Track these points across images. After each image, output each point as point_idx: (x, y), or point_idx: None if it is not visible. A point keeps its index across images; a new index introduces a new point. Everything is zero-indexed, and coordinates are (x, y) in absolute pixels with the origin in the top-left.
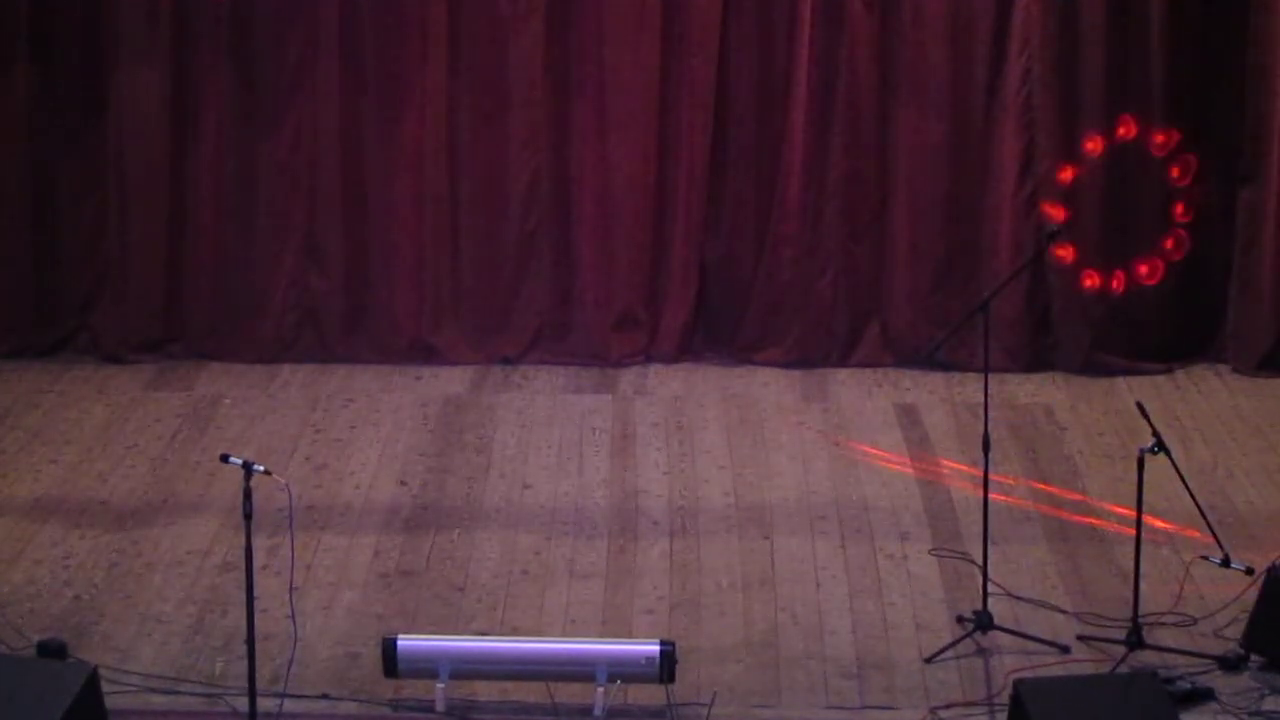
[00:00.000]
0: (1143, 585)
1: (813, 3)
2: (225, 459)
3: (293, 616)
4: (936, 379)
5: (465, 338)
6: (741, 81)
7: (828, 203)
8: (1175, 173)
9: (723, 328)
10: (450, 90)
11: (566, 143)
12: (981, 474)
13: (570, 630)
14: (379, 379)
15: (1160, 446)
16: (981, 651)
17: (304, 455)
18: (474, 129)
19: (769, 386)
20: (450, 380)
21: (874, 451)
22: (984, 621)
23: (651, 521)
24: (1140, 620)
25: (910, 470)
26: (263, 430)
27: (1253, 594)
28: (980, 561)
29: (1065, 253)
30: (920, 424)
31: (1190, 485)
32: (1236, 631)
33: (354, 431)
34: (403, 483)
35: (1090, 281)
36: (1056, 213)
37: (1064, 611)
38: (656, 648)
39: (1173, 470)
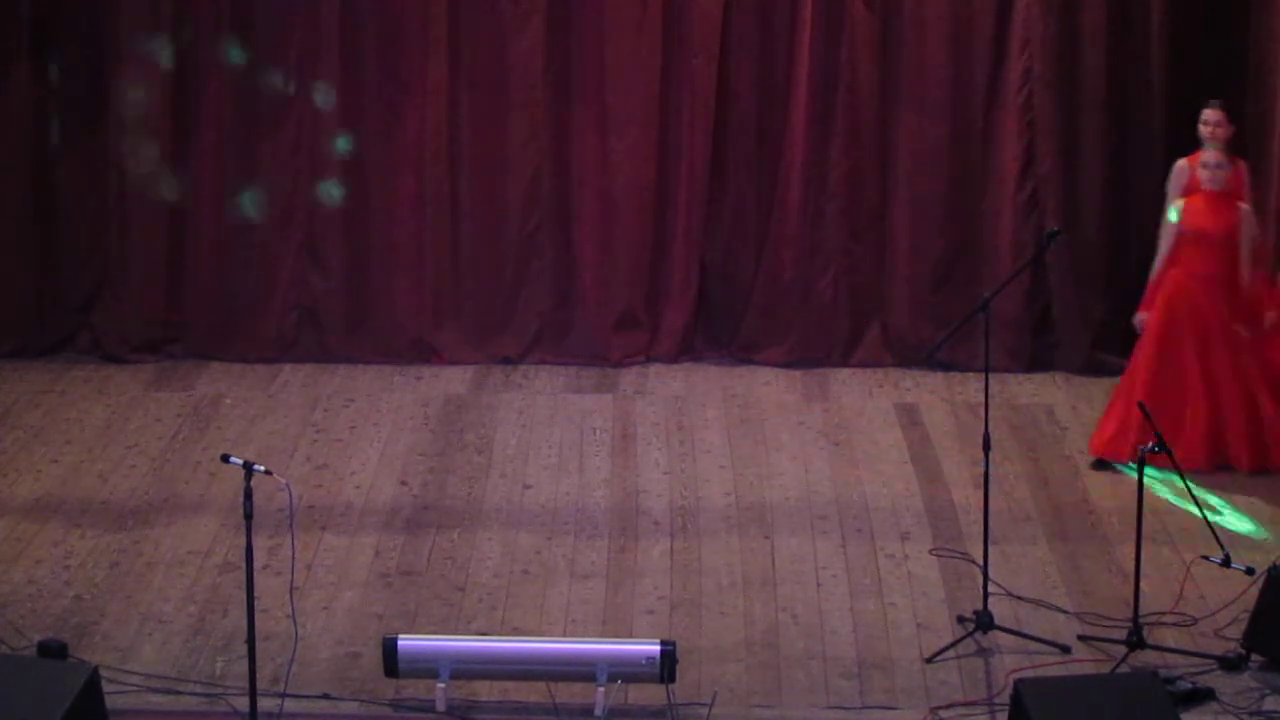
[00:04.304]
0: (1143, 585)
1: (813, 3)
2: (226, 459)
3: (293, 616)
4: (936, 379)
5: (465, 338)
6: (742, 81)
7: (828, 203)
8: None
9: (723, 328)
10: (450, 90)
11: (566, 143)
12: (982, 474)
13: (571, 630)
14: (379, 379)
15: (1161, 446)
16: (982, 651)
17: (304, 455)
18: (474, 129)
19: (769, 386)
20: (451, 380)
21: (874, 451)
22: (984, 621)
23: (652, 521)
24: (1141, 620)
25: (910, 470)
26: (263, 430)
27: (1253, 594)
28: (980, 561)
29: (1066, 253)
30: (920, 424)
31: (1190, 485)
32: (1237, 631)
33: (354, 431)
34: (403, 483)
35: (1091, 281)
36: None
37: (1064, 611)
38: (657, 648)
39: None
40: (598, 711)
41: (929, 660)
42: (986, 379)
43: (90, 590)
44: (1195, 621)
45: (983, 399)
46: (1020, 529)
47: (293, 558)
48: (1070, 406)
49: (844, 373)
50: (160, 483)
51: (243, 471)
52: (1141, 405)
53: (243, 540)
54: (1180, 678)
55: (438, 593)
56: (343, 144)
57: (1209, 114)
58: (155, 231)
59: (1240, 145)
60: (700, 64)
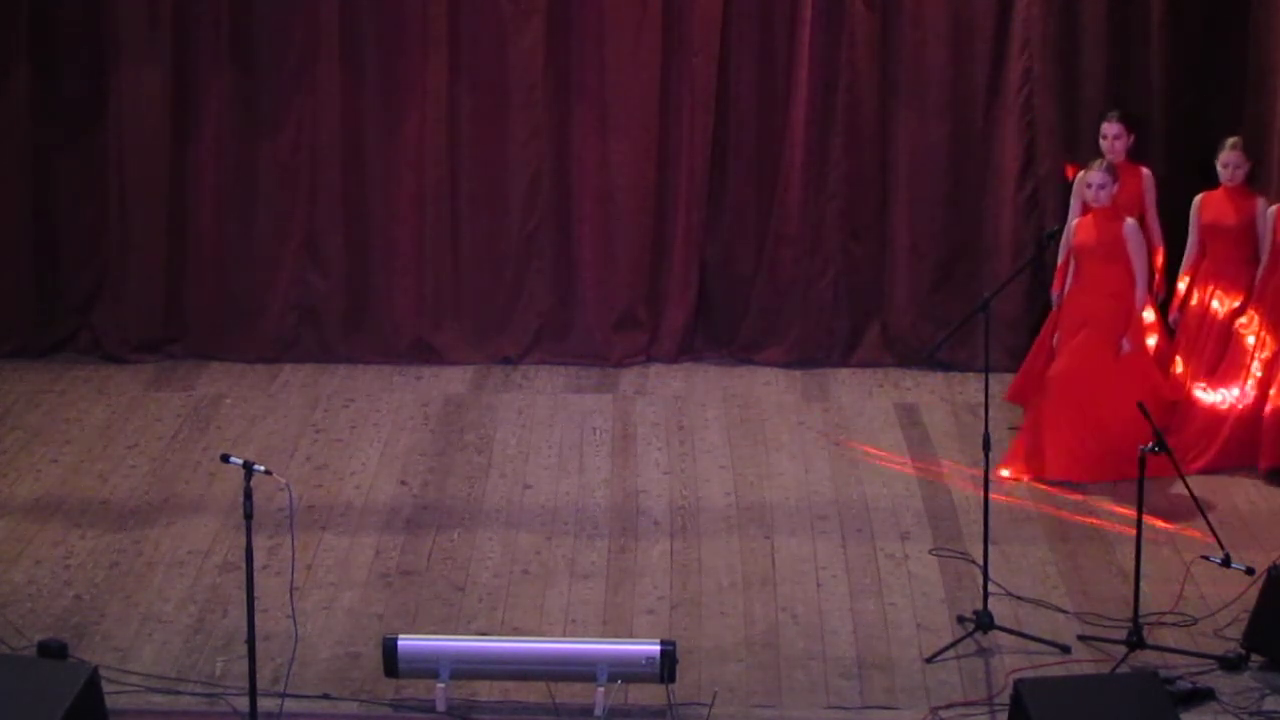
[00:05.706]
0: (1143, 585)
1: (813, 3)
2: (226, 459)
3: (293, 616)
4: (936, 379)
5: (465, 338)
6: (742, 81)
7: (828, 203)
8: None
9: (723, 328)
10: (450, 90)
11: (566, 143)
12: (981, 474)
13: (571, 630)
14: (379, 379)
15: (1161, 445)
16: (982, 651)
17: (304, 455)
18: (474, 129)
19: (769, 386)
20: (451, 380)
21: (874, 451)
22: (984, 621)
23: (652, 521)
24: (1141, 620)
25: (910, 470)
26: (263, 430)
27: (1253, 594)
28: (980, 561)
29: None
30: (920, 424)
31: (1190, 484)
32: (1237, 631)
33: (354, 431)
34: (403, 483)
35: None
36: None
37: (1064, 611)
38: (657, 647)
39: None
40: (598, 711)
41: (929, 660)
42: (986, 379)
43: (90, 590)
44: (1195, 621)
45: (983, 399)
46: (1020, 529)
47: (293, 558)
48: None
49: (844, 373)
50: (160, 483)
51: (243, 471)
52: (1141, 406)
53: (243, 540)
54: (1180, 678)
55: (438, 593)
56: (342, 144)
57: (1107, 126)
58: (155, 231)
59: (1245, 146)
60: (700, 64)
